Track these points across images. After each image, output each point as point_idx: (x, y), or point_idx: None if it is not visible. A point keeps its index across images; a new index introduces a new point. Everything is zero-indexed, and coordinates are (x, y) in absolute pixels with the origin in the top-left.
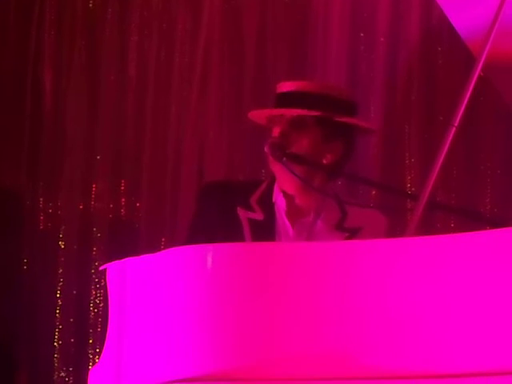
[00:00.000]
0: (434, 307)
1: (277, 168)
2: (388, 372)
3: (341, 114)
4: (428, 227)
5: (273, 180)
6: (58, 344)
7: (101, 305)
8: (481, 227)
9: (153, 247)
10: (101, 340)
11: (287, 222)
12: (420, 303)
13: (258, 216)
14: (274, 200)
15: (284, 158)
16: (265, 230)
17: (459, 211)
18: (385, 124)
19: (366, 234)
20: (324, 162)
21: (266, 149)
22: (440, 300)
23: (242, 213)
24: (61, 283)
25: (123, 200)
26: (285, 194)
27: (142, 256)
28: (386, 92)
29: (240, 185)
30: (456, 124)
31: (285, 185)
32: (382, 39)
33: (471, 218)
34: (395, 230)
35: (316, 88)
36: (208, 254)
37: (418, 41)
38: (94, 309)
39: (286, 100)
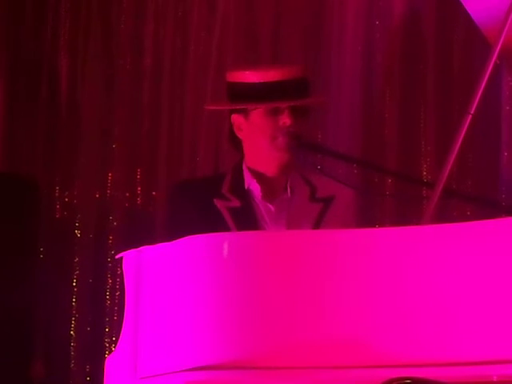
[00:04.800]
0: (449, 295)
1: (269, 154)
2: (401, 360)
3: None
4: (444, 215)
5: (237, 168)
6: (75, 333)
7: (117, 293)
8: (497, 215)
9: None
10: (117, 328)
11: (268, 204)
12: (435, 291)
13: (235, 204)
14: (247, 187)
15: (300, 147)
16: (245, 216)
17: (475, 199)
18: (400, 112)
19: (338, 204)
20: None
21: (282, 139)
22: (456, 288)
23: (219, 203)
24: (77, 272)
25: (139, 189)
26: (259, 179)
27: (158, 244)
28: (401, 80)
29: (205, 179)
30: (472, 112)
31: (273, 168)
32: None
33: (487, 206)
34: (411, 218)
35: (295, 72)
36: (224, 242)
37: (434, 29)
38: (110, 297)
39: (290, 89)
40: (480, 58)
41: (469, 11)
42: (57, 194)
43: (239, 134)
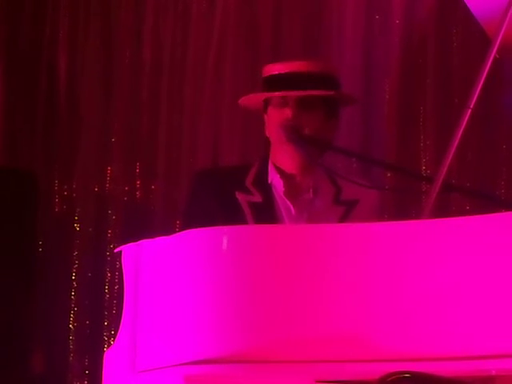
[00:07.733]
0: (448, 289)
1: (283, 148)
2: (400, 354)
3: (341, 91)
4: (443, 210)
5: (264, 161)
6: (73, 326)
7: (116, 287)
8: (496, 209)
9: (168, 229)
10: (116, 322)
11: (288, 202)
12: (434, 285)
13: (257, 198)
14: (269, 181)
15: (298, 140)
16: (265, 212)
17: (474, 194)
18: (400, 106)
19: (362, 207)
20: (325, 139)
21: (280, 130)
22: (455, 282)
23: (241, 197)
24: (76, 266)
25: (138, 182)
26: (282, 175)
27: (157, 238)
28: (401, 74)
29: (230, 170)
30: (472, 106)
31: (289, 165)
32: (397, 21)
33: (486, 201)
34: (410, 212)
35: (317, 67)
36: (223, 236)
37: (433, 23)
38: (109, 291)
39: (295, 81)
40: (480, 53)
41: (468, 5)
42: (56, 188)
43: (266, 132)
